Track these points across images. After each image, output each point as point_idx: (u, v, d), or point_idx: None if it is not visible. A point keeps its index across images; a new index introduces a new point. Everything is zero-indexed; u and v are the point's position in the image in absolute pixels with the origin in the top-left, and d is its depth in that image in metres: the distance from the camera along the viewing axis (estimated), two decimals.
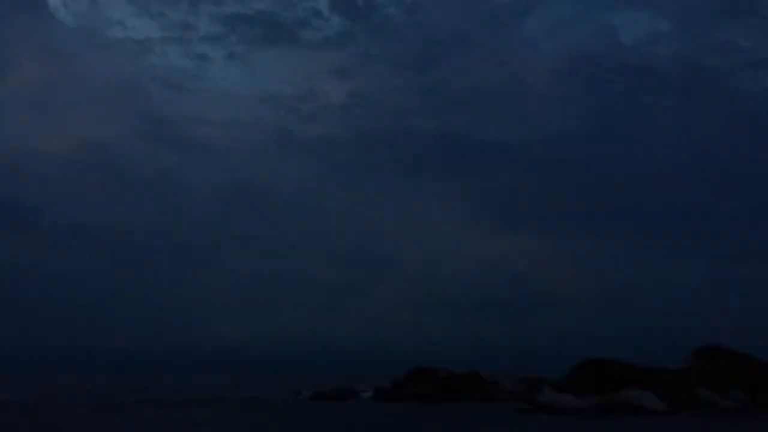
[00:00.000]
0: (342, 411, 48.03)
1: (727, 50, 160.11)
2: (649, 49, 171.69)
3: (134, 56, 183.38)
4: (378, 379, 69.12)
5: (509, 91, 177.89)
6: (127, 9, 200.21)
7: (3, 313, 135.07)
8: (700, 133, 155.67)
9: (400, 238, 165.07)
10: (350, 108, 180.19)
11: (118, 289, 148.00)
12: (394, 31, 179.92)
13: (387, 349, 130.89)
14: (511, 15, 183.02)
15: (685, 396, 46.07)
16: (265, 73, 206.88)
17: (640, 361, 49.75)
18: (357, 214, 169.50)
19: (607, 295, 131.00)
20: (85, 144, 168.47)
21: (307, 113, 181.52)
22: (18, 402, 57.17)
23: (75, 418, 42.14)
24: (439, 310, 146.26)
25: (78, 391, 74.06)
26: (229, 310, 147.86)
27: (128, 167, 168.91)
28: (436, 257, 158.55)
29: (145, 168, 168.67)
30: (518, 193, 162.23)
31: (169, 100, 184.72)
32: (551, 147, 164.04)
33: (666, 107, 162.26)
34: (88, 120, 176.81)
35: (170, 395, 62.94)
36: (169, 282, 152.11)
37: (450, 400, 53.94)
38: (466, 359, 72.45)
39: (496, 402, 52.53)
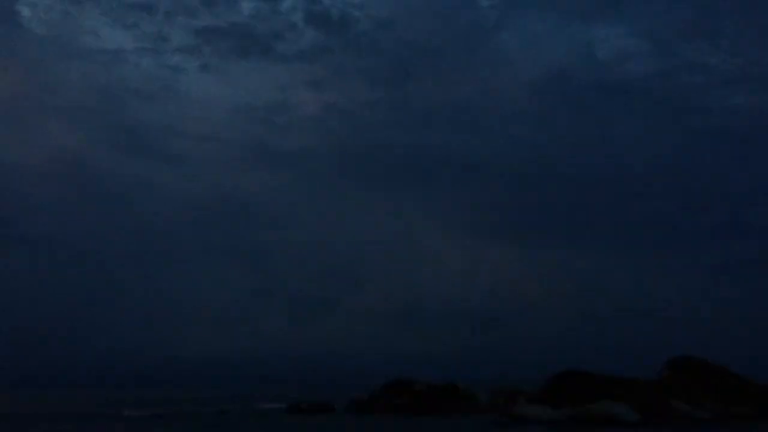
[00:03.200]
0: (318, 423, 47.69)
1: (697, 68, 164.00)
2: (623, 65, 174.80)
3: (107, 66, 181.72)
4: (354, 391, 68.73)
5: (484, 105, 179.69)
6: (101, 19, 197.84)
7: None
8: (672, 149, 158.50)
9: (375, 251, 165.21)
10: (325, 120, 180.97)
11: (91, 302, 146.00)
12: (368, 45, 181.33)
13: (363, 361, 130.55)
14: (485, 30, 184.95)
15: (659, 407, 46.44)
16: (239, 84, 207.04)
17: (614, 372, 50.15)
18: (332, 226, 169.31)
19: (582, 307, 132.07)
20: (57, 154, 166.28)
21: (282, 125, 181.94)
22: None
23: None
24: (415, 322, 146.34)
25: (57, 405, 72.57)
26: (202, 322, 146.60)
27: (100, 178, 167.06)
28: (412, 269, 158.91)
29: (117, 179, 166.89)
30: (493, 206, 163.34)
31: (142, 111, 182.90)
32: (526, 161, 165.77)
33: (639, 123, 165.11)
34: (60, 130, 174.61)
35: (143, 409, 61.90)
36: (142, 294, 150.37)
37: (427, 413, 53.80)
38: (443, 371, 72.37)
39: (473, 414, 52.52)
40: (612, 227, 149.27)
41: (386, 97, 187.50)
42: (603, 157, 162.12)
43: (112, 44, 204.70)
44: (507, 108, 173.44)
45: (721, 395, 48.09)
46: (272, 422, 49.59)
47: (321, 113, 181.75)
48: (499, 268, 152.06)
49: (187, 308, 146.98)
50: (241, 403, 72.31)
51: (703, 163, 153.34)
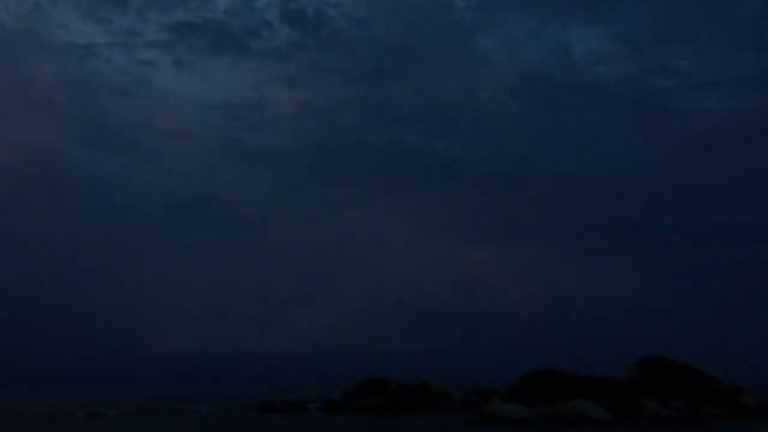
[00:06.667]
0: (290, 423, 47.50)
1: (669, 72, 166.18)
2: (597, 68, 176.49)
3: (79, 61, 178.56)
4: (328, 390, 68.59)
5: (461, 105, 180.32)
6: (72, 13, 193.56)
7: None
8: (643, 152, 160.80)
9: (350, 250, 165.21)
10: (300, 118, 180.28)
11: (61, 300, 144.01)
12: (344, 43, 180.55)
13: (337, 360, 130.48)
14: (462, 30, 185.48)
15: (629, 406, 47.10)
16: (213, 81, 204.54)
17: (585, 371, 50.75)
18: (306, 224, 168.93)
19: (554, 306, 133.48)
20: (26, 150, 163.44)
21: (256, 122, 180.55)
22: None
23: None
24: (389, 321, 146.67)
25: (29, 404, 71.31)
26: (175, 320, 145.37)
27: (71, 175, 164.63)
28: (387, 268, 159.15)
29: (89, 176, 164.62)
30: (468, 206, 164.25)
31: (115, 106, 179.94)
32: (502, 161, 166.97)
33: (611, 125, 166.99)
34: (29, 125, 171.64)
35: (118, 407, 61.15)
36: (114, 293, 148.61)
37: (400, 412, 53.86)
38: (417, 370, 72.54)
39: (446, 413, 52.69)
40: (585, 229, 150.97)
41: (362, 96, 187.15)
42: (577, 160, 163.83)
43: (84, 38, 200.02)
44: (483, 108, 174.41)
45: (691, 394, 48.87)
46: (245, 420, 49.26)
47: (296, 111, 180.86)
48: (475, 267, 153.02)
49: (161, 306, 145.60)
50: (215, 401, 71.75)
51: (674, 166, 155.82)
